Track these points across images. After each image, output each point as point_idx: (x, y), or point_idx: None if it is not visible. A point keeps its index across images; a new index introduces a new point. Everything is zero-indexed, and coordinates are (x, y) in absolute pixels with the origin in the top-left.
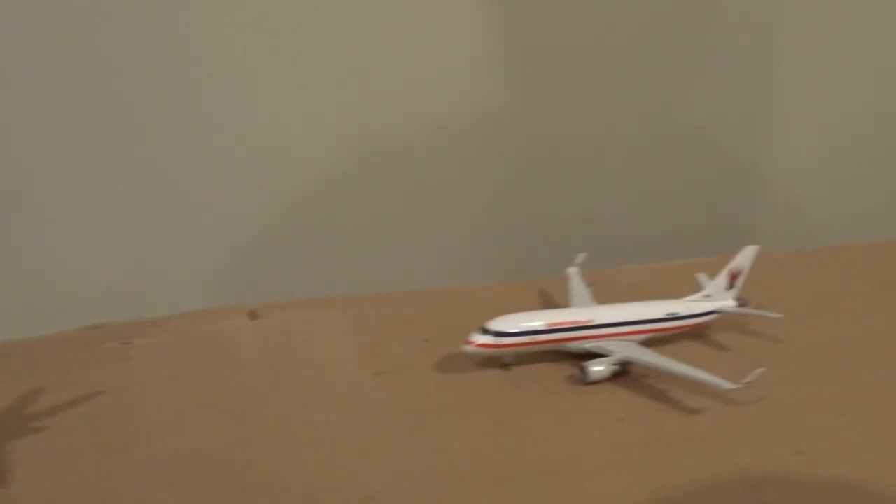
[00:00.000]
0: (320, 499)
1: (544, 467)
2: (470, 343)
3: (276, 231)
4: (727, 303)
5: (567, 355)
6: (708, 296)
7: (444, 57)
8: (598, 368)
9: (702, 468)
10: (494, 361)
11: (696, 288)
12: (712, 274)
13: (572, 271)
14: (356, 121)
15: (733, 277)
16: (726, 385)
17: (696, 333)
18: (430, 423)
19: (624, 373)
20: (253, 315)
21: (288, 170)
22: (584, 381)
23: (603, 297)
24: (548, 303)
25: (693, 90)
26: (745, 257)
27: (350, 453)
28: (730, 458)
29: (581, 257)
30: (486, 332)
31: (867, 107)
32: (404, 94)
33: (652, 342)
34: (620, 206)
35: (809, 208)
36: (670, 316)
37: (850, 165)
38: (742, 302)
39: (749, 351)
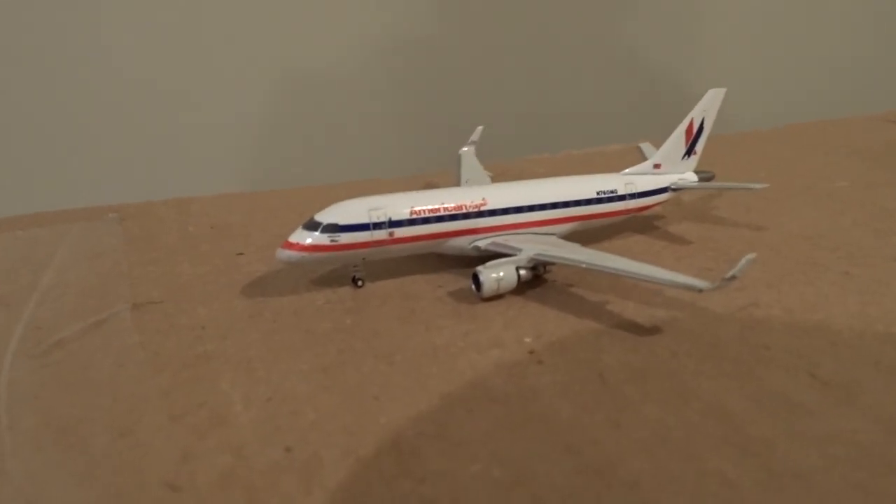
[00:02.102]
0: None
1: (392, 440)
2: (289, 246)
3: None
4: (686, 176)
5: (454, 261)
6: (657, 166)
7: None
8: (496, 274)
9: (673, 437)
10: (339, 274)
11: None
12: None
13: (466, 151)
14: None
15: (692, 138)
16: (699, 284)
17: (641, 222)
18: (192, 381)
19: (537, 279)
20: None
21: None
22: (480, 294)
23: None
24: None
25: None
26: (707, 103)
27: None
28: (713, 405)
29: (478, 132)
30: (313, 227)
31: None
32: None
33: (578, 235)
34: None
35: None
36: (604, 195)
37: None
38: (706, 175)
39: (721, 245)
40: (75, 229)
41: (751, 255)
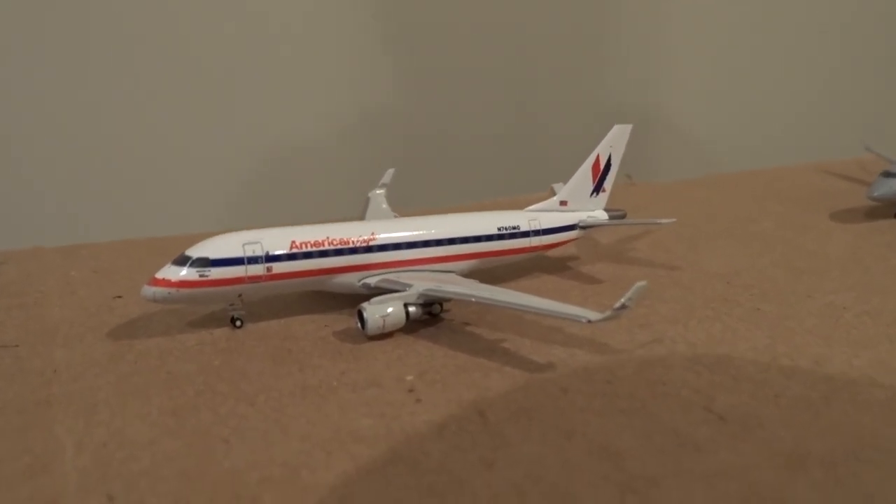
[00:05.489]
0: None
1: (231, 486)
2: (155, 283)
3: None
4: (595, 214)
5: (349, 300)
6: (564, 203)
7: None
8: (382, 311)
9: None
10: (219, 315)
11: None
12: None
13: (376, 194)
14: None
15: (599, 175)
16: (588, 314)
17: (553, 262)
18: (23, 428)
19: (430, 316)
20: None
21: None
22: (365, 332)
23: None
24: None
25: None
26: (613, 139)
27: None
28: (598, 443)
29: (389, 174)
30: (182, 262)
31: (739, 68)
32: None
33: (483, 274)
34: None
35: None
36: (506, 231)
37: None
38: (617, 213)
39: (633, 284)
40: None
41: (641, 283)
